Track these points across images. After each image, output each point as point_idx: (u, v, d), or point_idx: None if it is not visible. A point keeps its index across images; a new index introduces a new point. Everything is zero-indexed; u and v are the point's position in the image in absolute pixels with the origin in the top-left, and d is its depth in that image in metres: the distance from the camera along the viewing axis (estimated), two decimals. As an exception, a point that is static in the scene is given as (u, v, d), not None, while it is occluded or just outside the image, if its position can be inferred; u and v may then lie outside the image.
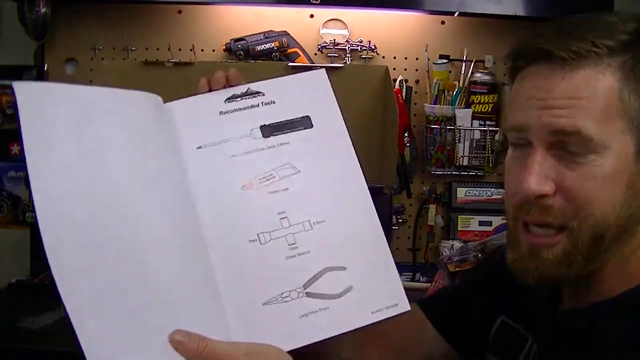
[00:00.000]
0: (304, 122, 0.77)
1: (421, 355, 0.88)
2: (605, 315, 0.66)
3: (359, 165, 0.77)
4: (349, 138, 0.78)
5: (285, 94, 0.78)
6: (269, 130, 0.76)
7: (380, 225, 0.76)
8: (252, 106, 0.76)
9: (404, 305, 0.73)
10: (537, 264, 0.67)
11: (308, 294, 0.70)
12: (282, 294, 0.69)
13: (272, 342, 0.64)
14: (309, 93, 0.79)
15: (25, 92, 0.62)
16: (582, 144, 0.63)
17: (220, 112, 0.76)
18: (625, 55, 0.64)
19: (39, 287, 1.71)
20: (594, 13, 0.68)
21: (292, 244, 0.71)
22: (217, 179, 0.72)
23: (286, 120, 0.77)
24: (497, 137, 1.94)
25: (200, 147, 0.74)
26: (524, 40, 0.68)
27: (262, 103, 0.77)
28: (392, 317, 0.72)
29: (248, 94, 0.77)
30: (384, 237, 0.76)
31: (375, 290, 0.73)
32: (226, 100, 0.76)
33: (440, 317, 0.88)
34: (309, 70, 0.84)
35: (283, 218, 0.72)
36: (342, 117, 0.79)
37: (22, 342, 1.41)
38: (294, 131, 0.76)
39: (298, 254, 0.71)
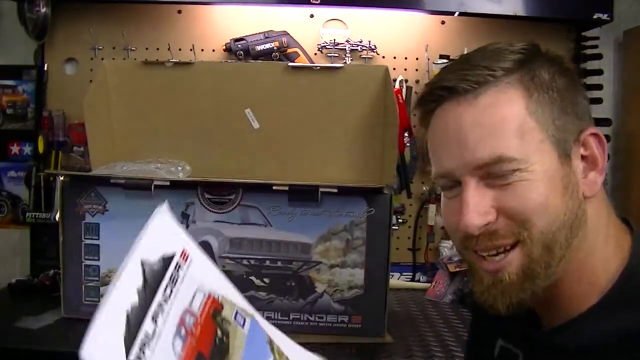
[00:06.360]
0: None
1: None
2: (582, 330, 0.67)
3: None
4: None
5: None
6: None
7: None
8: None
9: None
10: (502, 289, 0.67)
11: None
12: None
13: None
14: None
15: None
16: (507, 166, 0.64)
17: None
18: (520, 71, 0.66)
19: (39, 287, 1.71)
20: (486, 45, 0.70)
21: None
22: None
23: None
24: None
25: None
26: (428, 85, 0.70)
27: None
28: None
29: None
30: None
31: None
32: None
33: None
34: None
35: None
36: None
37: (22, 342, 1.40)
38: None
39: None
